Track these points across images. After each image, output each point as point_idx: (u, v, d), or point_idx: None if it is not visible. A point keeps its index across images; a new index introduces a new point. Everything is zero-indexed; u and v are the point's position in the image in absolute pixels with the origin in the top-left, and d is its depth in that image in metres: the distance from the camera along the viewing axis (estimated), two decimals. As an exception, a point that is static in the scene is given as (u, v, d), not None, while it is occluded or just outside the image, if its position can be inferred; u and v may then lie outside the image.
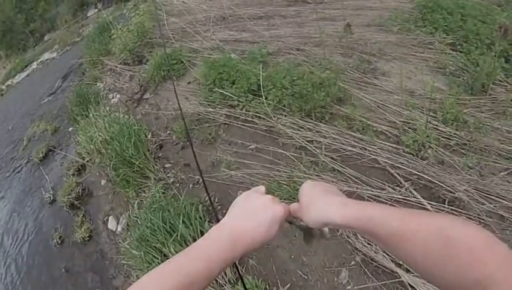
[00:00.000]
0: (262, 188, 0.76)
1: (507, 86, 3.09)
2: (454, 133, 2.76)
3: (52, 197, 4.35)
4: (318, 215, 0.66)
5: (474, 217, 2.21)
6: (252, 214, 0.68)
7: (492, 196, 2.29)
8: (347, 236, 2.37)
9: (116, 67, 5.24)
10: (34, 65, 9.28)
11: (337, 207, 0.63)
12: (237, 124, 3.35)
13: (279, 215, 0.69)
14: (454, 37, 3.52)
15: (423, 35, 3.74)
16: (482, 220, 2.19)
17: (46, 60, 9.07)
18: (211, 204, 2.46)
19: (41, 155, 5.10)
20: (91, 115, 4.27)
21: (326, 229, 0.75)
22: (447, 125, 2.83)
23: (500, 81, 3.13)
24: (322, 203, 0.67)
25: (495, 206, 2.23)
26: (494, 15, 3.57)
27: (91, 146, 3.93)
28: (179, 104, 2.26)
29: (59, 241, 3.75)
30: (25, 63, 9.88)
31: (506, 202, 2.24)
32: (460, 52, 3.41)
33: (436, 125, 2.83)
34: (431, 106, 2.92)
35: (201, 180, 2.94)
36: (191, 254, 0.62)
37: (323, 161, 2.81)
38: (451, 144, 2.71)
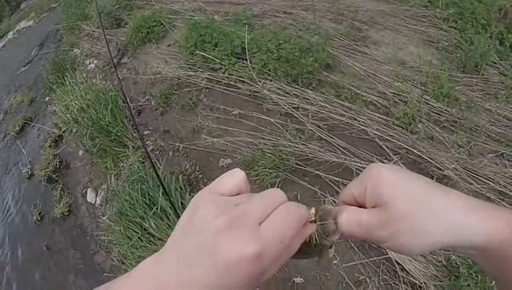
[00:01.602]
0: (230, 180, 0.38)
1: (500, 68, 3.07)
2: (445, 110, 2.73)
3: (30, 172, 4.16)
4: (441, 234, 0.38)
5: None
6: (191, 255, 0.33)
7: (480, 176, 2.27)
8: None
9: (94, 31, 4.95)
10: (10, 35, 8.78)
11: (482, 216, 0.38)
12: (219, 88, 3.17)
13: (244, 264, 0.32)
14: (449, 12, 3.46)
15: (417, 7, 3.65)
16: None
17: (23, 28, 8.56)
18: (163, 187, 2.26)
19: (17, 128, 4.85)
20: (67, 82, 4.01)
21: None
22: (438, 101, 2.79)
23: (494, 62, 3.11)
24: (450, 209, 0.39)
25: (483, 187, 2.21)
26: (492, -4, 3.52)
27: (67, 115, 3.71)
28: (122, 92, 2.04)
29: (39, 218, 3.60)
30: (0, 33, 9.38)
31: (493, 184, 2.22)
32: (455, 28, 3.36)
33: (427, 100, 2.78)
34: (424, 79, 2.88)
35: (181, 147, 2.76)
36: None
37: (310, 129, 2.71)
38: (441, 120, 2.68)
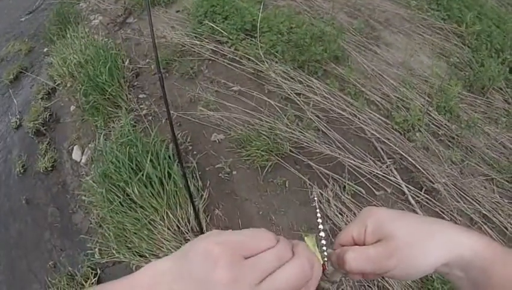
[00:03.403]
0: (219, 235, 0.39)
1: (505, 95, 3.10)
2: (445, 124, 2.74)
3: (18, 122, 4.04)
4: (440, 253, 0.44)
5: (447, 212, 2.21)
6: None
7: (468, 196, 2.29)
8: (319, 201, 2.28)
9: (102, -13, 4.75)
10: (17, -19, 8.51)
11: (468, 235, 0.44)
12: (223, 62, 3.08)
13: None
14: (465, 30, 3.46)
15: (435, 18, 3.65)
16: (452, 217, 2.20)
17: (31, -24, 8.31)
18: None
19: (11, 77, 4.71)
20: (68, 35, 3.89)
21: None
22: (440, 114, 2.80)
23: (500, 88, 3.13)
24: (444, 231, 0.45)
25: (468, 207, 2.23)
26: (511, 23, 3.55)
27: (64, 69, 3.62)
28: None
29: (21, 171, 3.50)
30: (8, -22, 9.06)
31: (478, 206, 2.24)
32: (469, 47, 3.38)
33: (429, 111, 2.78)
34: (429, 90, 2.89)
35: (175, 115, 2.67)
36: None
37: (309, 118, 2.67)
38: (439, 133, 2.69)
